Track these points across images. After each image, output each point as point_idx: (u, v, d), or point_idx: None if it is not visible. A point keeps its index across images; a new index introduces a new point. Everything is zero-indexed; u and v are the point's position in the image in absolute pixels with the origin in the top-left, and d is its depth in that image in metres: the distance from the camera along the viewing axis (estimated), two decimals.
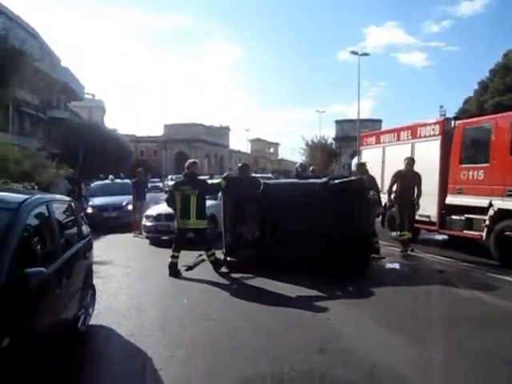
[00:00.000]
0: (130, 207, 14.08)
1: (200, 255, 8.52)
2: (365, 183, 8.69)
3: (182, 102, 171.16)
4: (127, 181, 17.05)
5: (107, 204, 14.84)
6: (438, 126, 10.43)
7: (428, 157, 10.43)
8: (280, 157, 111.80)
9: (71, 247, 4.48)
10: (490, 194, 8.75)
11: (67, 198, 5.32)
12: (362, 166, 10.36)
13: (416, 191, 9.62)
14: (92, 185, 18.48)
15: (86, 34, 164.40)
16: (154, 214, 11.57)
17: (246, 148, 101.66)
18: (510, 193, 8.32)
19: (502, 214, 8.50)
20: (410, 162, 9.75)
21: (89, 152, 31.34)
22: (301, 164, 11.64)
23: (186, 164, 8.19)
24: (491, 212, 8.71)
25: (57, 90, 33.15)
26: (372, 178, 9.77)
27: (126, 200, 14.64)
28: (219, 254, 8.12)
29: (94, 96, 59.11)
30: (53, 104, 41.15)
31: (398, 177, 9.79)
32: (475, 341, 4.53)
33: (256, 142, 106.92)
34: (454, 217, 9.80)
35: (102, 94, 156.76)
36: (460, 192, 9.60)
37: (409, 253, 9.59)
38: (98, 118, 52.06)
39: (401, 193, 9.77)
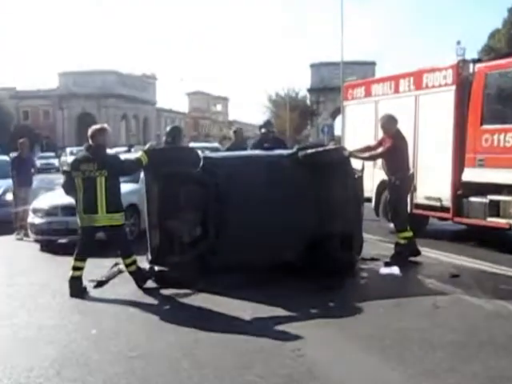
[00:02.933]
0: (10, 197, 13.77)
1: (115, 264, 8.51)
2: (346, 154, 8.72)
3: (85, 45, 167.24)
4: (4, 157, 16.61)
5: None
6: (451, 72, 10.63)
7: (437, 115, 10.72)
8: (232, 118, 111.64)
9: None
10: None
11: None
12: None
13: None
14: None
15: None
16: (46, 207, 11.37)
17: (181, 105, 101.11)
18: None
19: None
20: (386, 120, 9.20)
21: None
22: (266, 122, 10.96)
23: (90, 132, 8.03)
24: None
25: None
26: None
27: (2, 187, 14.34)
28: (143, 262, 8.13)
29: None
30: None
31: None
32: (501, 370, 4.74)
33: (196, 96, 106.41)
34: (473, 199, 10.11)
35: None
36: (482, 164, 9.90)
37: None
38: None
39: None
